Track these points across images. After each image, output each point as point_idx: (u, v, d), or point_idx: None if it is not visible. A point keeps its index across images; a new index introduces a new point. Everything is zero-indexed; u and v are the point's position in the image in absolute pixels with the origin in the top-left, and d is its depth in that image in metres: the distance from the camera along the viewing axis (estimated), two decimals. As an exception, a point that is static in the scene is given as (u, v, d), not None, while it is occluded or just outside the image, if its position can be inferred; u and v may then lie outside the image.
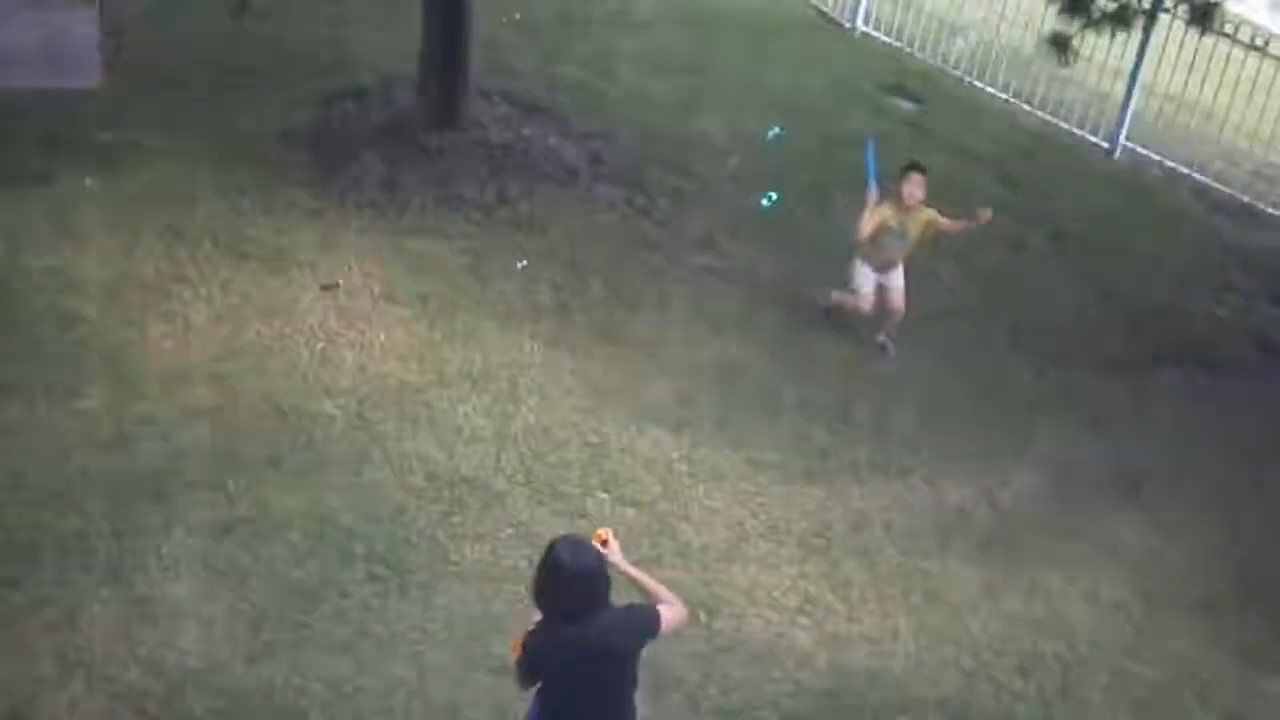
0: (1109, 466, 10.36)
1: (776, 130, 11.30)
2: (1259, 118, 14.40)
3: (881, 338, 11.01)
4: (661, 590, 6.40)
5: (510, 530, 8.74)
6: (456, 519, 8.75)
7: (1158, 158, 14.80)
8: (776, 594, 8.60)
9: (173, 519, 8.35)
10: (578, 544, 6.14)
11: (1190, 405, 11.25)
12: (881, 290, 10.89)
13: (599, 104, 13.40)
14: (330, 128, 12.49)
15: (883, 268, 10.83)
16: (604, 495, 9.10)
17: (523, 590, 8.21)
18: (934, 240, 10.93)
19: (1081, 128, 15.02)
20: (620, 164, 12.73)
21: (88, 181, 11.09)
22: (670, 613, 6.30)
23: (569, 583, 6.03)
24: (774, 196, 11.10)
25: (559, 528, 8.75)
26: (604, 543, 6.31)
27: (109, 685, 7.34)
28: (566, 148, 12.76)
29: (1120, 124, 14.88)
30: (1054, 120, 15.02)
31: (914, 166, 10.68)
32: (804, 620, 8.58)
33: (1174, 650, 8.95)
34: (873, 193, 10.60)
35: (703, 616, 6.67)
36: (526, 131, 12.80)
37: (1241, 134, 14.78)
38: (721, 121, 13.44)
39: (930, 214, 10.73)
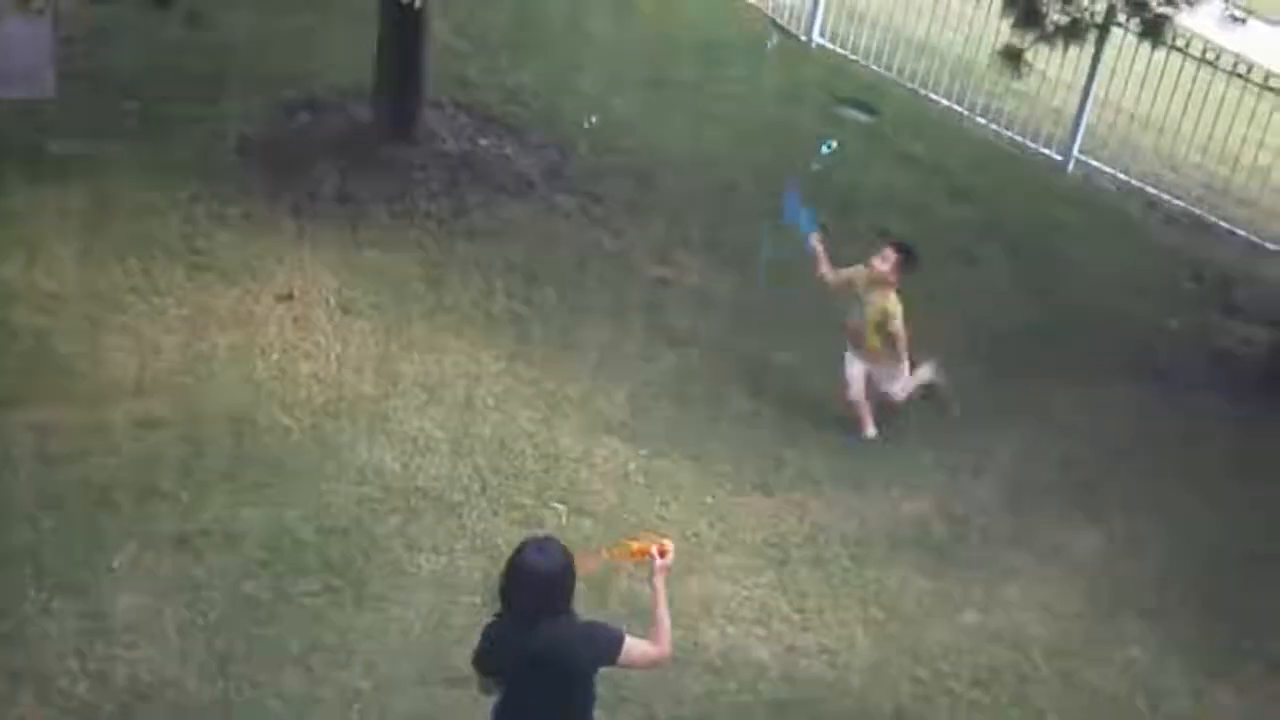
0: (1063, 477, 10.42)
1: (831, 144, 10.61)
2: (1209, 131, 14.51)
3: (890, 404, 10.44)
4: (662, 628, 6.17)
5: (466, 541, 8.72)
6: (413, 530, 8.73)
7: (1110, 170, 14.90)
8: (733, 605, 8.60)
9: (126, 531, 8.29)
10: (546, 546, 6.08)
11: (1144, 416, 11.31)
12: (872, 384, 10.32)
13: (556, 115, 13.40)
14: (286, 138, 12.45)
15: (859, 346, 10.18)
16: (560, 506, 9.09)
17: (479, 601, 8.24)
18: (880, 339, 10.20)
19: (1034, 141, 15.10)
20: (577, 175, 12.74)
21: (40, 191, 11.01)
22: (643, 649, 6.13)
23: (525, 582, 5.98)
24: (833, 145, 10.50)
25: (515, 538, 8.64)
26: (662, 553, 6.19)
27: (60, 699, 7.29)
28: (523, 159, 12.75)
29: (1073, 137, 14.98)
30: (1007, 133, 15.10)
31: (890, 238, 10.11)
32: (760, 631, 8.58)
33: (1127, 659, 9.00)
34: (813, 240, 10.00)
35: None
36: (483, 142, 12.79)
37: (1192, 147, 14.89)
38: (677, 132, 13.46)
39: (891, 305, 9.99)
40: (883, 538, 9.53)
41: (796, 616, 8.75)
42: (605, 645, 6.08)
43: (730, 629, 8.52)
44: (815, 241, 10.08)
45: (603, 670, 6.19)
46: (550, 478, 9.36)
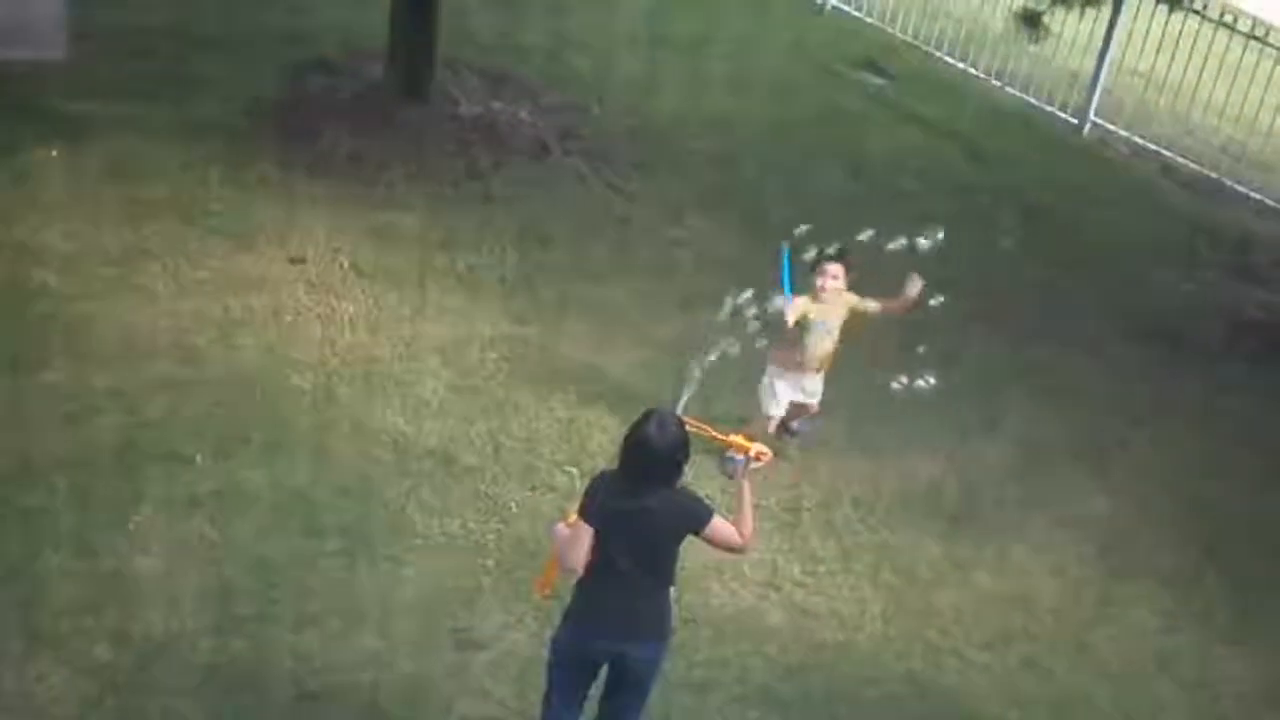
0: (1077, 441, 10.42)
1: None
2: (1226, 94, 14.46)
3: (794, 424, 9.87)
4: (745, 518, 6.62)
5: (477, 503, 8.73)
6: (425, 492, 8.74)
7: (1126, 134, 14.87)
8: (745, 568, 8.61)
9: (139, 493, 8.31)
10: (665, 420, 6.45)
11: (1158, 380, 11.31)
12: (794, 405, 9.65)
13: (569, 77, 13.37)
14: (298, 100, 12.44)
15: (804, 371, 9.53)
16: (573, 469, 9.10)
17: (491, 563, 8.28)
18: (863, 326, 9.66)
19: (1051, 104, 15.07)
20: (590, 138, 12.72)
21: (53, 153, 11.02)
22: (728, 531, 6.55)
23: (641, 454, 6.39)
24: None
25: (527, 502, 8.79)
26: (759, 457, 6.76)
27: (76, 659, 7.31)
28: (536, 121, 12.73)
29: (1089, 100, 14.95)
30: (1023, 96, 15.05)
31: (829, 256, 9.32)
32: (772, 595, 8.60)
33: (1138, 622, 9.02)
34: (789, 304, 9.13)
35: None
36: (496, 104, 12.77)
37: (1209, 110, 14.84)
38: (690, 95, 13.42)
39: (853, 300, 9.46)
40: (895, 501, 9.54)
41: (809, 580, 8.76)
42: (700, 514, 6.54)
43: (741, 591, 8.54)
44: (789, 305, 9.14)
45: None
46: (563, 441, 9.37)
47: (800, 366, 9.50)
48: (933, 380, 9.09)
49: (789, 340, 9.33)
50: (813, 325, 9.36)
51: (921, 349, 9.41)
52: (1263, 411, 11.17)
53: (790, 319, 9.17)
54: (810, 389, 9.64)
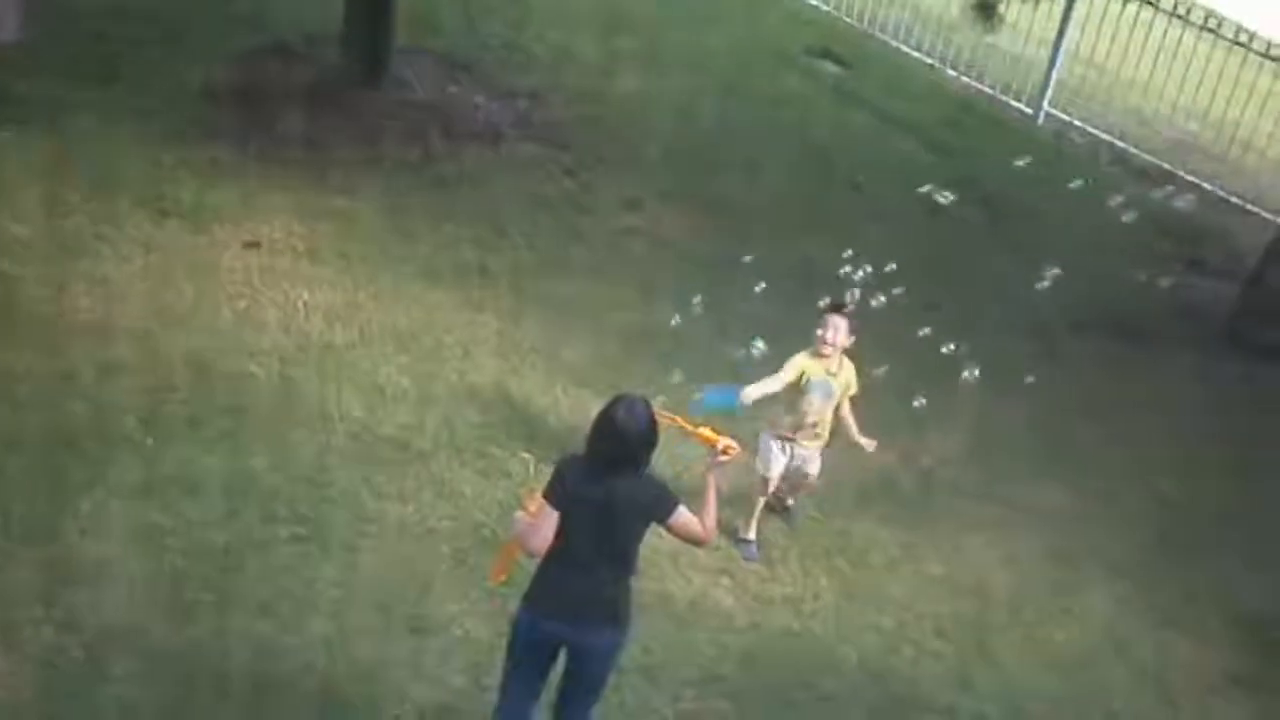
0: (1030, 431, 10.47)
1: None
2: (1179, 85, 14.54)
3: (790, 502, 9.32)
4: (710, 511, 6.69)
5: (433, 490, 8.72)
6: (379, 478, 8.72)
7: (1080, 124, 14.95)
8: (699, 555, 8.61)
9: (92, 479, 8.25)
10: (634, 405, 6.48)
11: (1112, 370, 11.38)
12: (793, 474, 9.03)
13: (525, 63, 13.34)
14: (254, 84, 12.36)
15: (801, 439, 8.88)
16: (527, 456, 9.08)
17: (446, 550, 8.26)
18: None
19: (1006, 94, 15.12)
20: (546, 124, 12.69)
21: (5, 135, 10.92)
22: (692, 522, 6.60)
23: (611, 439, 6.43)
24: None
25: (482, 488, 8.77)
26: (726, 451, 6.79)
27: (26, 647, 7.26)
28: (492, 107, 12.71)
29: (1044, 90, 15.01)
30: (979, 85, 15.10)
31: (834, 307, 8.80)
32: (726, 581, 8.62)
33: (1091, 611, 9.08)
34: (740, 395, 8.47)
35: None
36: (452, 90, 12.74)
37: (1162, 101, 14.92)
38: (648, 83, 13.41)
39: (851, 373, 8.92)
40: (849, 490, 9.57)
41: (762, 567, 8.79)
42: (665, 504, 6.59)
43: (697, 579, 8.55)
44: (742, 394, 8.50)
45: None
46: (518, 427, 9.36)
47: (796, 431, 8.85)
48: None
49: (785, 404, 8.79)
50: (812, 385, 8.72)
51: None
52: (1216, 402, 11.25)
53: (787, 377, 8.59)
54: (809, 465, 8.98)
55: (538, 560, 6.59)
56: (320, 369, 9.45)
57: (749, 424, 8.82)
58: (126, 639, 7.41)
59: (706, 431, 6.93)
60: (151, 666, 7.29)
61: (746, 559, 8.84)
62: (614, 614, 6.67)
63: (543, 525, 6.46)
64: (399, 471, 8.80)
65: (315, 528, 8.27)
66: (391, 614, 7.86)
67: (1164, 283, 12.61)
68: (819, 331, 8.73)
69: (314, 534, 8.23)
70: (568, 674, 6.80)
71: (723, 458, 6.82)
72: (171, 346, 9.37)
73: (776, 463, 8.89)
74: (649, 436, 6.48)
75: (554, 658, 6.75)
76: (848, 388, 8.93)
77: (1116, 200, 13.68)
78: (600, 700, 6.99)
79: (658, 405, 6.74)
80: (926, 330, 10.62)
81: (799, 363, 8.69)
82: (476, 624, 7.81)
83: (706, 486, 6.75)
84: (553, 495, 6.47)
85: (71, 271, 9.82)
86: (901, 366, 10.61)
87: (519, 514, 6.67)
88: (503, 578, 7.17)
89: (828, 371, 8.76)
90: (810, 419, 8.82)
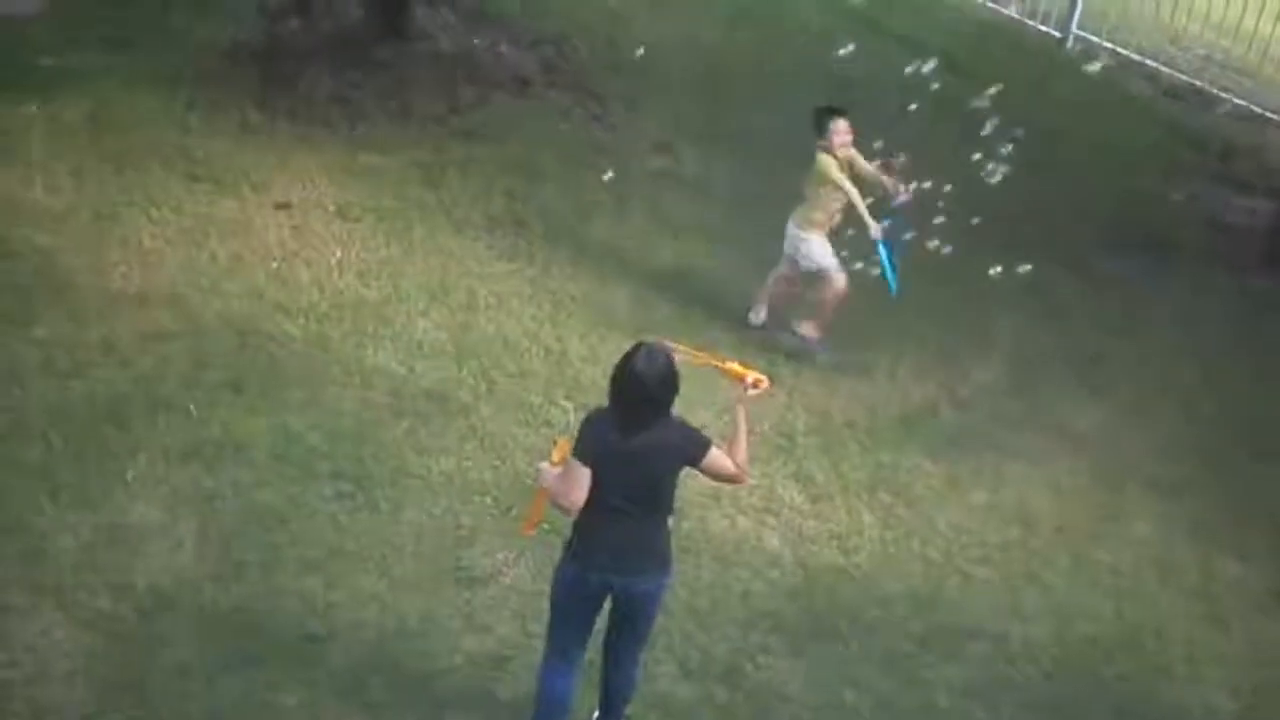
0: (1066, 355, 10.44)
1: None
2: (1209, 1, 14.37)
3: (805, 333, 10.05)
4: (740, 447, 6.62)
5: (474, 442, 8.76)
6: (421, 433, 8.76)
7: (1109, 45, 14.79)
8: (742, 495, 8.64)
9: (136, 444, 8.33)
10: (652, 352, 6.43)
11: (1146, 291, 11.32)
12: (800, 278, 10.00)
13: (548, 10, 13.28)
14: (277, 43, 12.37)
15: (826, 229, 9.81)
16: (567, 403, 9.11)
17: (489, 500, 8.31)
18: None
19: (1033, 18, 14.98)
20: (572, 71, 12.66)
21: (33, 108, 10.96)
22: (725, 461, 6.55)
23: (633, 387, 6.38)
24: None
25: (524, 439, 8.81)
26: (756, 384, 6.69)
27: (80, 611, 7.35)
28: (517, 55, 12.68)
29: (1071, 12, 14.86)
30: (1006, 10, 14.97)
31: (836, 111, 9.69)
32: (770, 520, 8.64)
33: (1135, 533, 9.07)
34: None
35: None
36: (476, 40, 12.71)
37: (1192, 18, 14.76)
38: (668, 23, 13.34)
39: (854, 154, 9.80)
40: (890, 423, 9.57)
41: (806, 504, 8.80)
42: (696, 445, 6.53)
43: (740, 518, 8.58)
44: (873, 232, 9.68)
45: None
46: (557, 376, 9.38)
47: (826, 225, 9.70)
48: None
49: (809, 202, 9.64)
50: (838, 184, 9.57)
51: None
52: (1251, 318, 11.18)
53: (846, 184, 9.51)
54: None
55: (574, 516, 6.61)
56: (357, 326, 9.49)
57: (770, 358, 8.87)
58: (177, 601, 7.49)
59: (735, 366, 6.89)
60: (203, 625, 7.38)
61: (820, 355, 9.70)
62: (657, 557, 6.69)
63: (576, 482, 6.43)
64: (439, 425, 8.84)
65: (359, 484, 8.33)
66: (438, 567, 7.92)
67: (1197, 200, 12.55)
68: (833, 139, 9.56)
69: (358, 490, 8.29)
70: (616, 623, 6.83)
71: (753, 391, 6.74)
72: (208, 310, 9.43)
73: (828, 252, 9.67)
74: (670, 381, 6.42)
75: (599, 607, 6.78)
76: (854, 162, 9.73)
77: (1147, 120, 13.64)
78: (648, 643, 7.03)
79: (682, 347, 6.72)
80: (956, 258, 10.59)
81: (832, 165, 9.52)
82: (523, 573, 7.87)
83: (736, 421, 6.69)
84: (582, 451, 6.44)
85: (106, 241, 9.88)
86: (935, 296, 10.60)
87: (544, 464, 6.67)
88: (533, 530, 7.21)
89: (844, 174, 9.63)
90: (837, 216, 9.68)
